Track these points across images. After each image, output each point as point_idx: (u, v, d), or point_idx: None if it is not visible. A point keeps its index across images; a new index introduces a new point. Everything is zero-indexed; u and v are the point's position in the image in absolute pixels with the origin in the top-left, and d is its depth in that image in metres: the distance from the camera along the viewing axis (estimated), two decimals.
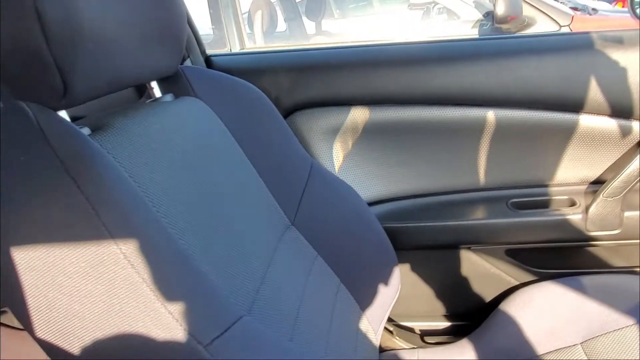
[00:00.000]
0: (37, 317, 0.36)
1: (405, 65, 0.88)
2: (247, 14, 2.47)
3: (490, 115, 0.88)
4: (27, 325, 0.37)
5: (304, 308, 0.61)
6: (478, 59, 0.86)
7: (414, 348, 0.91)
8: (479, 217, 0.89)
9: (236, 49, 1.88)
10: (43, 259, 0.35)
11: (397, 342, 0.97)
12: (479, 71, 0.86)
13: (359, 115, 0.92)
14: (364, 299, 0.75)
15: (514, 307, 0.79)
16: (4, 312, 0.78)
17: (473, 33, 2.26)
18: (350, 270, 0.74)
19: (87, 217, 0.35)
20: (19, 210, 0.35)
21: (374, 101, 0.90)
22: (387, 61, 0.89)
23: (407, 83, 0.88)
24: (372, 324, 0.76)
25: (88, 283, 0.35)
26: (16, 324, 0.79)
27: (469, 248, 0.92)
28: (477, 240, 0.90)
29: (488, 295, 0.95)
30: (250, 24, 2.46)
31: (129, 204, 0.38)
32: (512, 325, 0.77)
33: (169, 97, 0.62)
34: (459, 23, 2.57)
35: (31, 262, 0.35)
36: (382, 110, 0.91)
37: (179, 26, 0.60)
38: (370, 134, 0.93)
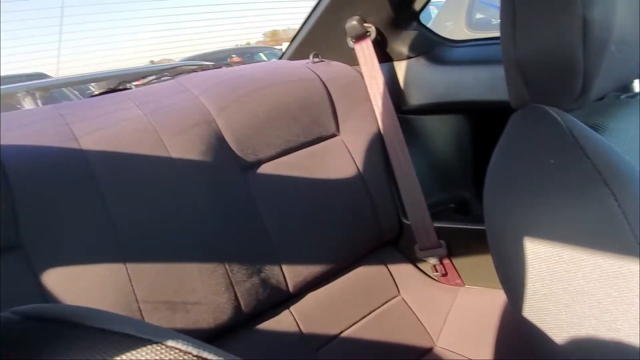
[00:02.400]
0: (528, 299, 0.38)
1: None
2: None
3: None
4: (514, 301, 0.40)
5: None
6: None
7: None
8: None
9: None
10: (557, 253, 0.36)
11: None
12: None
13: None
14: None
15: None
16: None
17: None
18: None
19: (620, 232, 0.34)
20: (545, 206, 0.37)
21: None
22: None
23: None
24: None
25: (597, 289, 0.34)
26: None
27: None
28: None
29: None
30: None
31: None
32: None
33: None
34: None
35: (541, 252, 0.37)
36: None
37: None
38: None
